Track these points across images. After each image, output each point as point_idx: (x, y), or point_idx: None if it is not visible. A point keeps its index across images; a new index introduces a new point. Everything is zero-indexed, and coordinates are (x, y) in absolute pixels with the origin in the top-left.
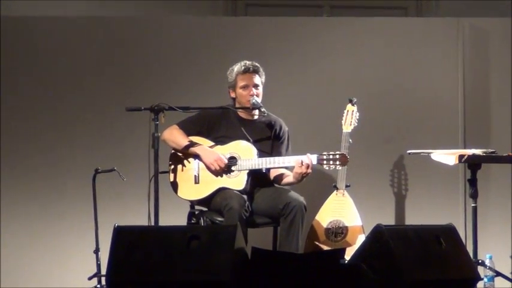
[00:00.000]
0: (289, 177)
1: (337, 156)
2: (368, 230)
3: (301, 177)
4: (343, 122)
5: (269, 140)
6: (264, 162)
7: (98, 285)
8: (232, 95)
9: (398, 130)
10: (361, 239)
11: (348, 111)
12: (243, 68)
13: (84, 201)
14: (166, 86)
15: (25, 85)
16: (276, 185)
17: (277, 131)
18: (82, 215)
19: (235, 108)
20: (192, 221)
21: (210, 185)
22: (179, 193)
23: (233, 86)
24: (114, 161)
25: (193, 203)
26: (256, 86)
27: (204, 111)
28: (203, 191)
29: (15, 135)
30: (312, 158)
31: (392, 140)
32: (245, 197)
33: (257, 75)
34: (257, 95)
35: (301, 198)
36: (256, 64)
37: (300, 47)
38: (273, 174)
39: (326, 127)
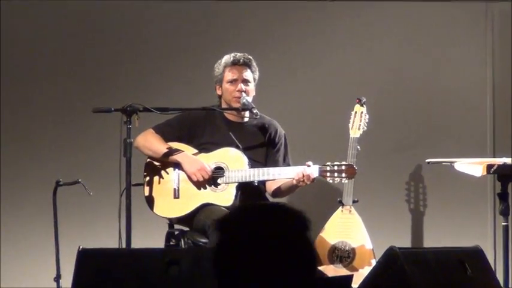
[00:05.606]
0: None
1: (343, 168)
2: (379, 254)
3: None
4: (350, 125)
5: (262, 146)
6: (257, 174)
7: None
8: (219, 91)
9: (415, 135)
10: (371, 264)
11: (355, 112)
12: (232, 59)
13: (43, 219)
14: (141, 83)
15: None
16: (274, 199)
17: (272, 135)
18: (41, 235)
19: (222, 109)
20: (171, 243)
21: (192, 200)
22: (156, 209)
23: (220, 81)
24: (78, 172)
25: (172, 222)
26: (246, 81)
27: (185, 113)
28: (184, 208)
29: None
30: (313, 170)
31: (406, 148)
32: None
33: (248, 70)
34: (246, 92)
35: None
36: (249, 57)
37: (299, 36)
38: (271, 187)
39: (330, 132)
